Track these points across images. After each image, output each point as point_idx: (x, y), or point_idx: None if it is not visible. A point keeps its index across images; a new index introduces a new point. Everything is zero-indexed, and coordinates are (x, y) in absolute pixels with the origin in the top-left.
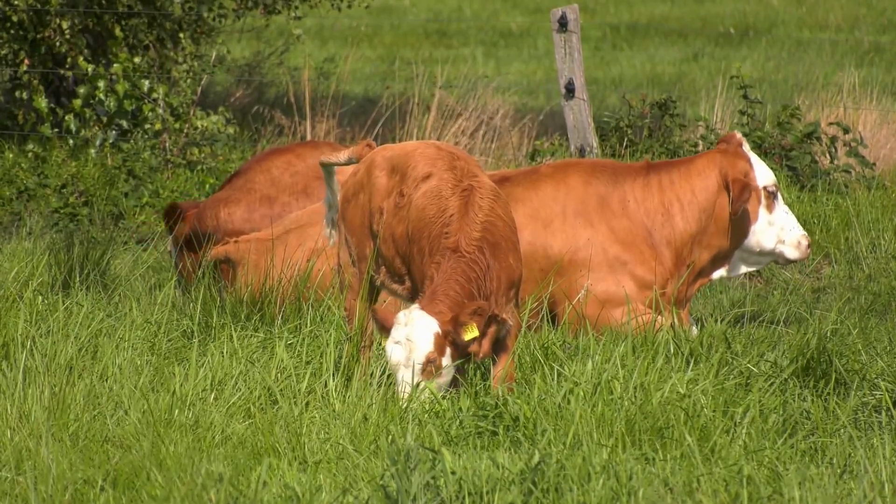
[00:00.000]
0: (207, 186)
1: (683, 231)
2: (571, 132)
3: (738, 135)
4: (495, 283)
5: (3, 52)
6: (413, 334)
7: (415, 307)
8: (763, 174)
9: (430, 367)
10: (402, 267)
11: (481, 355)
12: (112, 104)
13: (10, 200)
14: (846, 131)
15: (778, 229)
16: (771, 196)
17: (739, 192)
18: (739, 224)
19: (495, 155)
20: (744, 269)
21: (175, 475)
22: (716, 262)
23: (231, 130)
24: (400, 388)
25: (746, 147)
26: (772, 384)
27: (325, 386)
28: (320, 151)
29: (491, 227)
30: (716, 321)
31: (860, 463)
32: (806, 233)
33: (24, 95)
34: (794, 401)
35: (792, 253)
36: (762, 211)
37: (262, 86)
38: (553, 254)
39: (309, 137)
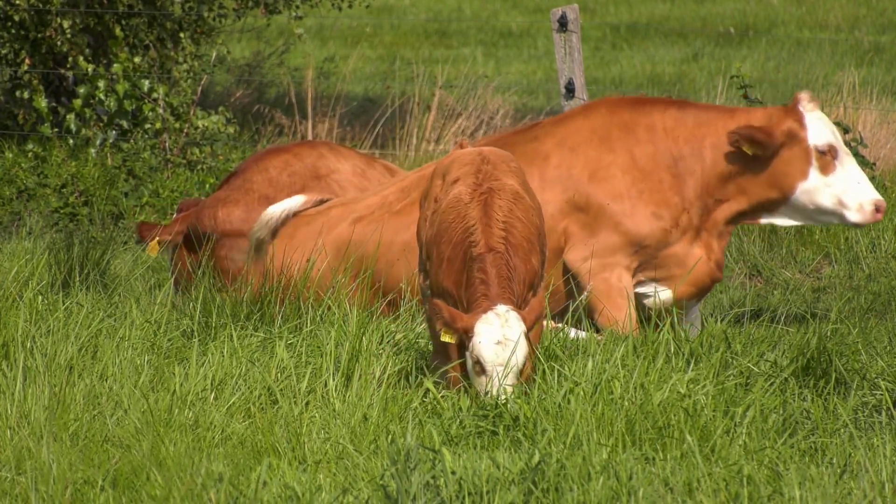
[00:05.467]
0: (207, 186)
1: (713, 166)
2: None
3: (803, 94)
4: (520, 287)
5: (4, 51)
6: (513, 334)
7: (502, 307)
8: (816, 134)
9: (524, 368)
10: (430, 268)
11: None
12: (112, 104)
13: (10, 200)
14: (846, 131)
15: (838, 191)
16: (825, 157)
17: (748, 135)
18: (780, 177)
19: None
20: (796, 222)
21: (175, 475)
22: (759, 209)
23: (231, 130)
24: (493, 388)
25: (805, 106)
26: (772, 384)
27: (325, 386)
28: (318, 151)
29: (510, 228)
30: (716, 321)
31: (860, 463)
32: (878, 198)
33: (26, 95)
34: (794, 400)
35: (853, 216)
36: (813, 172)
37: (262, 86)
38: (575, 174)
39: (310, 137)
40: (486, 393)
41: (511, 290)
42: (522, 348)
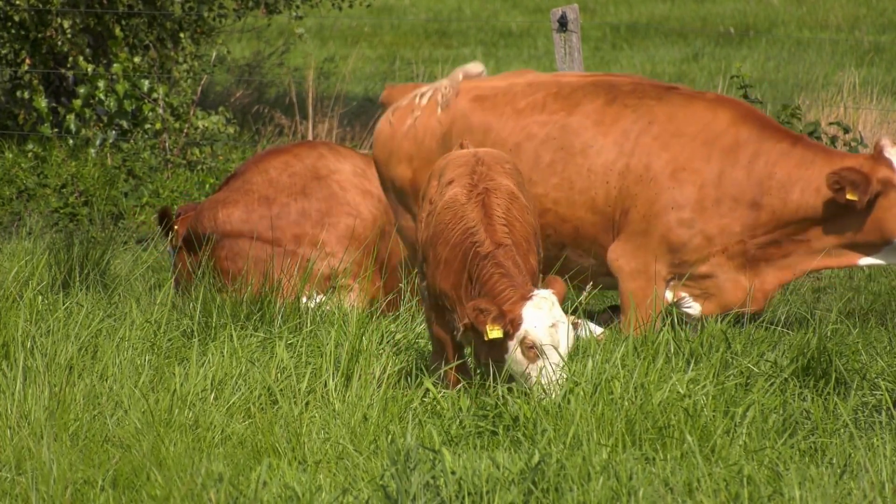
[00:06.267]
0: (207, 186)
1: (797, 209)
2: None
3: (885, 141)
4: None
5: (5, 51)
6: (562, 316)
7: (543, 291)
8: None
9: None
10: (426, 269)
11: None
12: (112, 104)
13: (10, 200)
14: (846, 131)
15: None
16: None
17: (850, 178)
18: (879, 223)
19: None
20: None
21: (175, 475)
22: (855, 248)
23: (231, 130)
24: (551, 371)
25: (891, 151)
26: (772, 384)
27: (325, 386)
28: (318, 152)
29: (510, 227)
30: (716, 321)
31: (860, 463)
32: None
33: (26, 95)
34: (794, 401)
35: None
36: None
37: (262, 86)
38: (662, 160)
39: (310, 137)
40: (540, 378)
41: (527, 280)
42: (572, 329)
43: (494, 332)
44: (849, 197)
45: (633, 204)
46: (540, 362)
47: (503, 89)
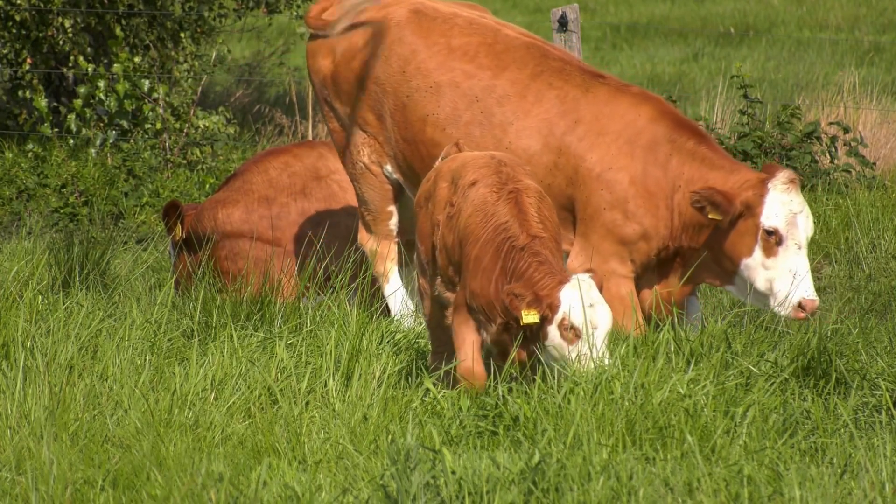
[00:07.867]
0: (207, 186)
1: (694, 213)
2: None
3: (783, 173)
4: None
5: (5, 51)
6: (599, 298)
7: (580, 274)
8: (771, 214)
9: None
10: (455, 275)
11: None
12: (112, 104)
13: (10, 200)
14: (846, 131)
15: (772, 276)
16: (770, 239)
17: (709, 197)
18: (731, 247)
19: None
20: (745, 298)
21: (175, 475)
22: (719, 263)
23: (231, 130)
24: (592, 350)
25: (776, 184)
26: (772, 384)
27: (325, 386)
28: (318, 152)
29: (543, 224)
30: (716, 321)
31: (860, 463)
32: (808, 297)
33: (27, 95)
34: (794, 401)
35: (776, 307)
36: (758, 250)
37: (262, 86)
38: (590, 161)
39: (310, 137)
40: (581, 360)
41: (564, 268)
42: (610, 311)
43: (530, 317)
44: (710, 216)
45: (571, 207)
46: (579, 344)
47: (443, 17)
